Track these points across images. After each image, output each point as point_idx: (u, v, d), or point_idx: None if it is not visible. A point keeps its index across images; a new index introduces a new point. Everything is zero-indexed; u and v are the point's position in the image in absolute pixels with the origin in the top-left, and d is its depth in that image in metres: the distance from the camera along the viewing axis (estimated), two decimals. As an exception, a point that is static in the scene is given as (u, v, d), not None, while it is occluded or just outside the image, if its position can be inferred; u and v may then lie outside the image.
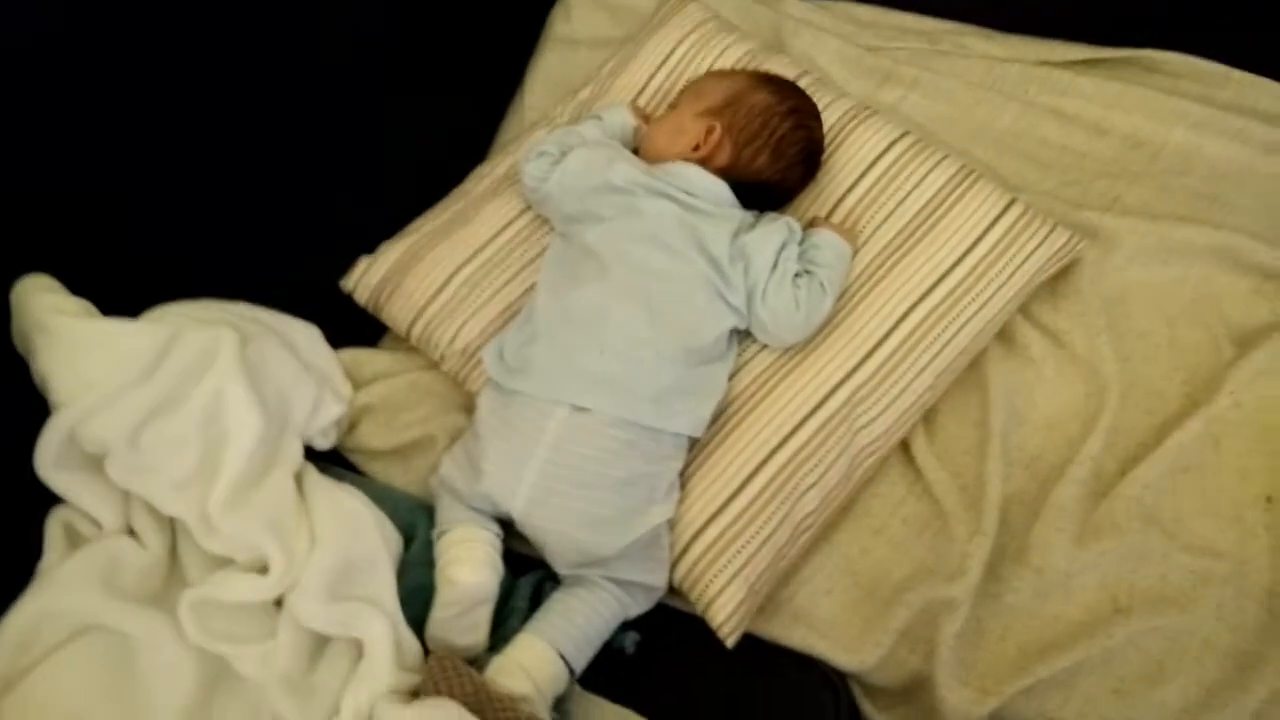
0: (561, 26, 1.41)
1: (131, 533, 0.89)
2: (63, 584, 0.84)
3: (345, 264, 1.14)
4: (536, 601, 0.97)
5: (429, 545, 0.97)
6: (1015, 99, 1.27)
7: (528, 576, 1.00)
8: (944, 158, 1.13)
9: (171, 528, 0.91)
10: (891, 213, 1.11)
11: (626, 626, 0.97)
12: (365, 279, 1.13)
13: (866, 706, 1.01)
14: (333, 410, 0.99)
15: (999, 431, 1.07)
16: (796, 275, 1.03)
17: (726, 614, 0.95)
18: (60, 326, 0.86)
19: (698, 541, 0.97)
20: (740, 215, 1.05)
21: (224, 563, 0.89)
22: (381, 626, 0.86)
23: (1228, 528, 1.02)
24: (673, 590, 0.99)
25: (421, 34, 1.30)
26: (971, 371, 1.10)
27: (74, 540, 0.88)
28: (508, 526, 0.98)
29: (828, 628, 1.01)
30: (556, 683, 0.90)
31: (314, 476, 0.95)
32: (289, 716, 0.82)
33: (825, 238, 1.06)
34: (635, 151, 1.12)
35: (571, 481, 0.93)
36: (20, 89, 0.91)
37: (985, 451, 1.07)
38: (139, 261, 0.98)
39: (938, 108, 1.28)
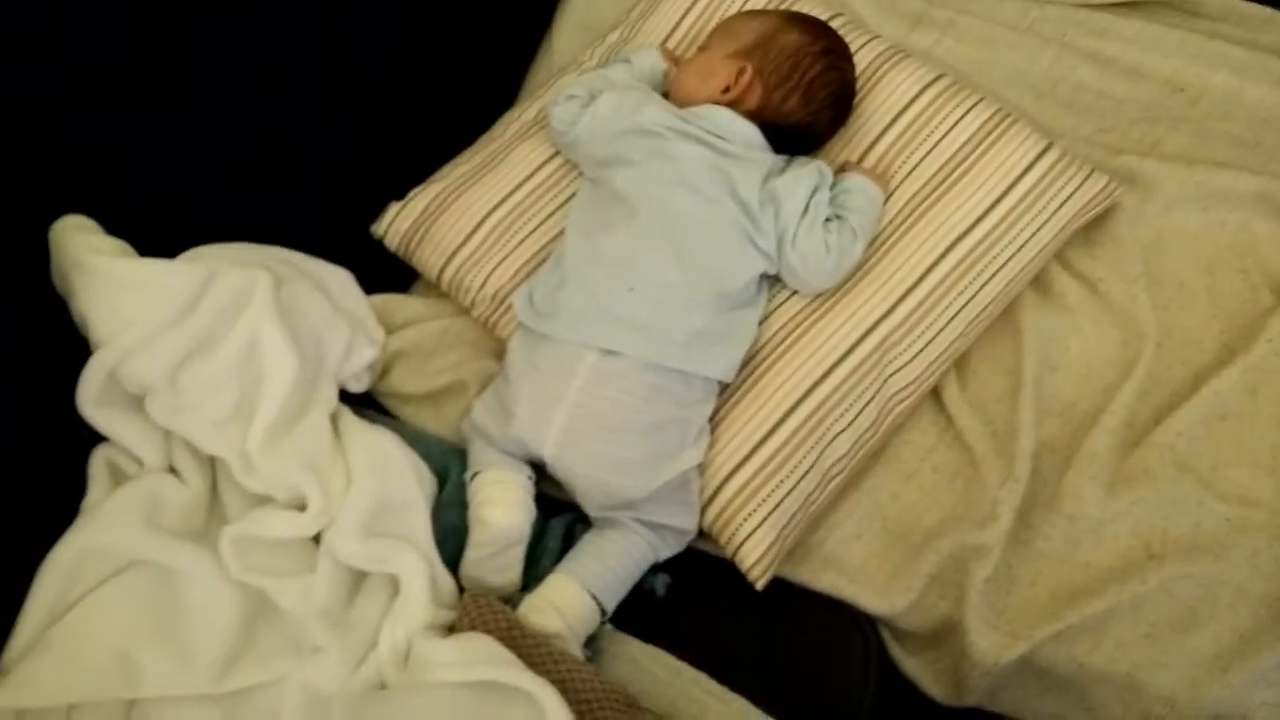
0: (590, -30, 1.38)
1: (173, 470, 0.91)
2: (106, 520, 0.85)
3: (375, 210, 1.14)
4: (568, 543, 0.98)
5: (462, 488, 0.98)
6: (1053, 42, 1.25)
7: (559, 518, 1.01)
8: (979, 101, 1.11)
9: (212, 466, 0.92)
10: (925, 157, 1.09)
11: (657, 569, 0.98)
12: (395, 225, 1.13)
13: (895, 650, 1.02)
14: (366, 354, 1.00)
15: (1032, 379, 1.06)
16: (827, 220, 1.02)
17: (756, 557, 0.96)
18: (98, 265, 0.86)
19: (727, 485, 0.97)
20: (771, 159, 1.04)
21: (263, 500, 0.90)
22: (417, 563, 0.87)
23: (1264, 476, 1.01)
24: (703, 534, 1.00)
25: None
26: (1005, 319, 1.09)
27: (117, 478, 0.90)
28: (539, 470, 0.98)
29: (857, 572, 1.01)
30: (588, 621, 0.91)
31: (349, 418, 0.96)
32: (328, 649, 0.83)
33: (856, 182, 1.05)
34: (665, 95, 1.11)
35: (601, 424, 0.94)
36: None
37: (1018, 399, 1.06)
38: (171, 205, 0.99)
39: (972, 51, 1.26)
